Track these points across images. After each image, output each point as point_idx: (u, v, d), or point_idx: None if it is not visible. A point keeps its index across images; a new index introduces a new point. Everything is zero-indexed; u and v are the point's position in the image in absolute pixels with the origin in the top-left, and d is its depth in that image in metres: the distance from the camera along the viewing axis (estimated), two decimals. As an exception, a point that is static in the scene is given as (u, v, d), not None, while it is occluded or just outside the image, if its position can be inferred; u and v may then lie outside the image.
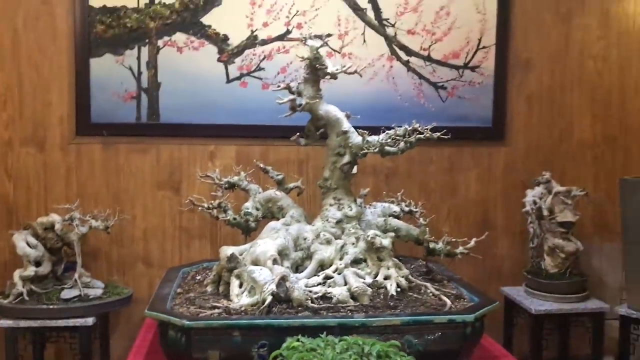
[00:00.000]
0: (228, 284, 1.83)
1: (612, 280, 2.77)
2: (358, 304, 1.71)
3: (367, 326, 1.59)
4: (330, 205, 2.00)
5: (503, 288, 2.71)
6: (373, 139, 1.93)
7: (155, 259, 2.64)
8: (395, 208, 2.12)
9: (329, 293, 1.74)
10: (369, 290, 1.74)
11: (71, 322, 2.22)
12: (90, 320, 2.24)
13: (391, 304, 1.73)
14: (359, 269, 1.87)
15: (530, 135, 2.80)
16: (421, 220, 2.05)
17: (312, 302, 1.69)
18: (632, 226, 2.35)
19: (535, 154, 2.80)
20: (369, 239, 1.87)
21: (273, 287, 1.67)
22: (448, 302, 1.76)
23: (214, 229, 2.66)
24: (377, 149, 1.90)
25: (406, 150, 1.91)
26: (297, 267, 1.91)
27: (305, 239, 1.94)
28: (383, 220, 2.05)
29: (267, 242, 1.86)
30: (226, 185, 2.13)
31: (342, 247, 1.90)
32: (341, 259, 1.88)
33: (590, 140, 2.83)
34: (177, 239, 2.65)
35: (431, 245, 2.02)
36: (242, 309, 1.67)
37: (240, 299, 1.74)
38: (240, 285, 1.79)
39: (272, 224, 1.97)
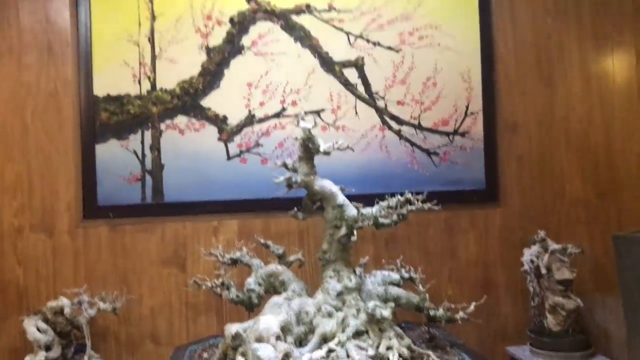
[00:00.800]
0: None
1: (617, 335, 2.78)
2: (357, 374, 1.75)
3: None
4: (330, 277, 2.06)
5: (509, 348, 2.72)
6: (367, 211, 2.01)
7: (163, 336, 2.68)
8: (395, 276, 2.18)
9: (332, 366, 1.78)
10: (373, 364, 1.79)
11: (82, 406, 2.25)
12: (100, 403, 2.27)
13: (388, 371, 1.77)
14: (361, 340, 1.91)
15: (523, 195, 2.88)
16: (421, 287, 2.10)
17: (316, 378, 1.73)
18: (630, 283, 2.39)
19: (529, 213, 2.87)
20: (370, 311, 1.92)
21: None
22: (446, 370, 1.79)
23: (219, 304, 2.71)
24: (372, 221, 1.98)
25: (400, 222, 1.98)
26: (301, 342, 1.95)
27: (307, 312, 1.99)
28: (383, 290, 2.10)
29: (270, 318, 1.91)
30: (229, 262, 2.20)
31: (344, 319, 1.95)
32: (343, 331, 1.92)
33: (583, 197, 2.90)
34: (184, 315, 2.70)
35: (431, 312, 2.06)
36: None
37: None
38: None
39: (275, 299, 2.03)
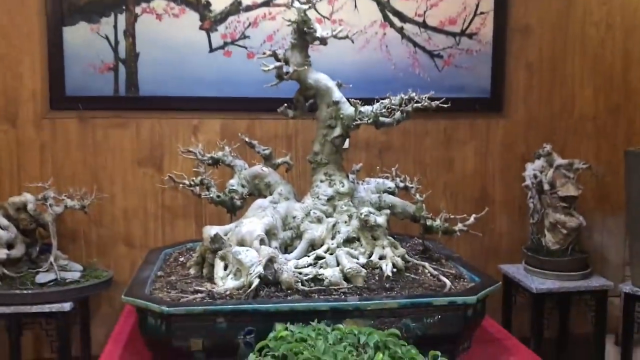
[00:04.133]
0: (212, 266, 1.71)
1: (615, 257, 2.67)
2: (351, 286, 1.59)
3: (362, 310, 1.48)
4: (321, 181, 1.86)
5: (502, 266, 2.60)
6: (366, 109, 1.80)
7: (138, 239, 2.51)
8: (390, 184, 1.99)
9: (321, 275, 1.62)
10: (363, 271, 1.62)
11: (47, 307, 2.09)
12: (67, 306, 2.11)
13: (387, 285, 1.61)
14: (352, 248, 1.75)
15: (530, 106, 2.67)
16: (417, 196, 1.92)
17: (302, 285, 1.57)
18: (637, 199, 2.24)
19: (535, 126, 2.67)
20: (363, 216, 1.74)
21: (260, 269, 1.55)
22: (448, 282, 1.64)
23: (198, 208, 2.53)
24: (371, 119, 1.76)
25: (402, 121, 1.78)
26: (286, 248, 1.78)
27: (294, 217, 1.81)
28: (377, 197, 1.92)
29: (254, 221, 1.73)
30: (210, 161, 1.99)
31: (334, 225, 1.78)
32: (333, 238, 1.75)
33: (592, 111, 2.71)
34: (160, 219, 2.52)
35: (428, 222, 1.89)
36: (227, 293, 1.55)
37: (225, 282, 1.61)
38: (225, 268, 1.67)
39: (259, 201, 1.84)
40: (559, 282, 2.35)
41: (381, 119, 1.77)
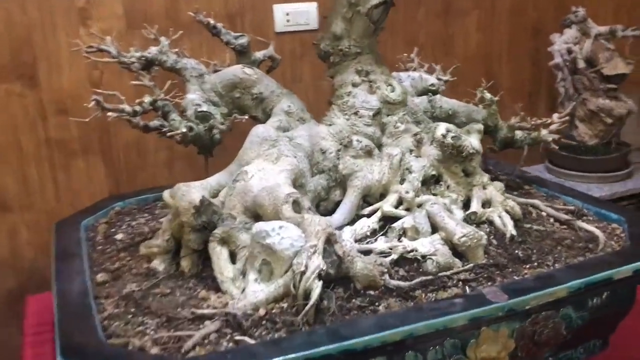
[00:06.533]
0: (197, 253, 0.95)
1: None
2: (470, 265, 0.92)
3: (516, 310, 0.84)
4: (354, 85, 1.11)
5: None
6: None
7: (13, 197, 1.60)
8: (432, 79, 1.29)
9: (411, 252, 0.93)
10: (484, 237, 0.95)
11: None
12: None
13: (519, 253, 0.96)
14: (432, 193, 1.05)
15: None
16: (487, 94, 1.24)
17: (390, 277, 0.88)
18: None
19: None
20: (449, 139, 1.04)
21: (318, 261, 0.82)
22: (599, 234, 1.02)
23: (104, 137, 1.65)
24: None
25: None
26: (318, 204, 1.05)
27: (323, 151, 1.06)
28: (427, 102, 1.22)
29: (267, 168, 0.97)
30: (137, 65, 1.14)
31: (397, 160, 1.06)
32: (402, 181, 1.04)
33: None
34: (46, 161, 1.61)
35: (508, 132, 1.24)
36: (262, 314, 0.82)
37: (244, 286, 0.87)
38: (233, 259, 0.92)
39: (259, 130, 1.06)
40: (605, 186, 1.85)
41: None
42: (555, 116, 1.28)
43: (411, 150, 1.07)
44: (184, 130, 1.00)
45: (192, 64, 1.17)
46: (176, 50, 1.16)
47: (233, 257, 0.93)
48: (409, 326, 0.78)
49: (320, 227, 0.86)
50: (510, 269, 0.92)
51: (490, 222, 1.01)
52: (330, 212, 1.03)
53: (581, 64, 1.82)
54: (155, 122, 1.00)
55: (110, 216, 1.25)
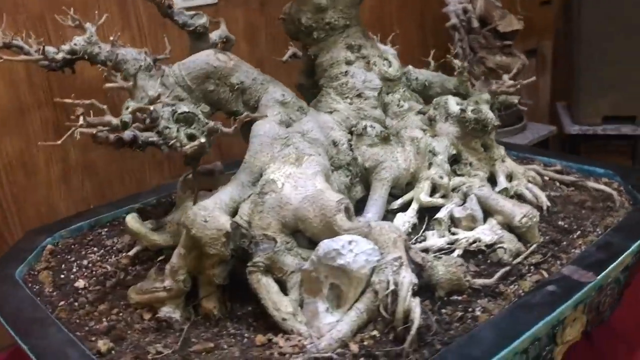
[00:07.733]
0: (220, 289, 0.77)
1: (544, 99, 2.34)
2: (532, 245, 0.86)
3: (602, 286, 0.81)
4: (348, 62, 0.97)
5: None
6: None
7: None
8: (390, 49, 1.19)
9: (474, 243, 0.84)
10: (537, 214, 0.89)
11: None
12: None
13: (563, 224, 0.92)
14: (458, 174, 0.97)
15: None
16: (456, 62, 1.18)
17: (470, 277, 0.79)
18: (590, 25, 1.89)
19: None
20: (470, 113, 0.96)
21: (410, 276, 0.70)
22: (613, 193, 1.01)
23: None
24: None
25: None
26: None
27: (336, 143, 0.91)
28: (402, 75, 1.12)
29: (297, 174, 0.81)
30: (58, 62, 0.90)
31: (425, 143, 0.95)
32: (430, 166, 0.94)
33: None
34: None
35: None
36: (357, 349, 0.68)
37: (316, 321, 0.73)
38: (284, 289, 0.76)
39: (266, 128, 0.87)
40: (509, 140, 1.92)
41: None
42: (505, 77, 1.27)
43: (424, 130, 0.96)
44: (181, 139, 0.78)
45: (133, 55, 0.93)
46: (111, 39, 0.92)
47: (280, 286, 0.76)
48: (531, 330, 0.69)
49: (396, 235, 0.73)
50: (565, 242, 0.88)
51: (519, 196, 0.96)
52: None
53: (475, 23, 1.85)
54: (145, 134, 0.76)
55: (46, 258, 0.98)
